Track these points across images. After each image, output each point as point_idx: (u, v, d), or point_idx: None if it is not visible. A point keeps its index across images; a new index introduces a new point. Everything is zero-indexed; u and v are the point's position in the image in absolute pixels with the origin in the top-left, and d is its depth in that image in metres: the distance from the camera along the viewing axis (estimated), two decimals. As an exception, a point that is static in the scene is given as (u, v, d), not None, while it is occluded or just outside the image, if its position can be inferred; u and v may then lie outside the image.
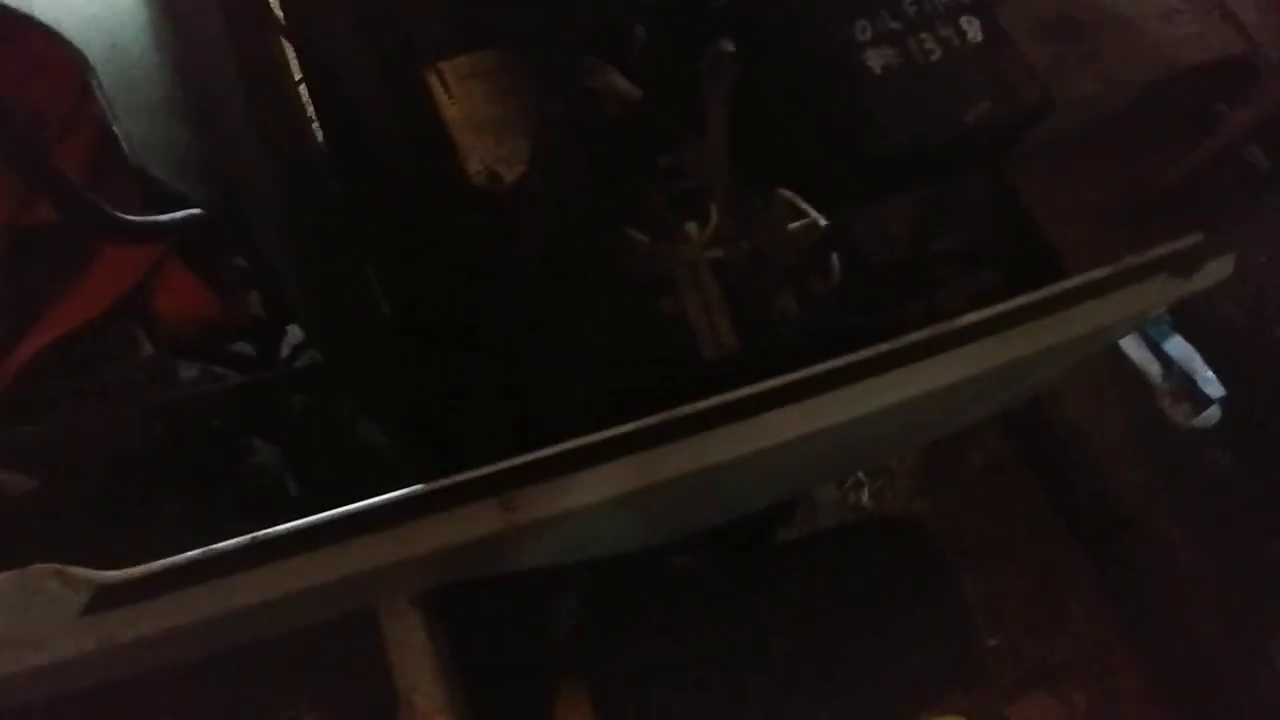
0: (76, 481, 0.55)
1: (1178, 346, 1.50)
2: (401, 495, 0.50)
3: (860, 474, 1.67)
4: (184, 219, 0.59)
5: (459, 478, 0.50)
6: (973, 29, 0.68)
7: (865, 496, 1.69)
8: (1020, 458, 1.64)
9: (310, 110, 0.85)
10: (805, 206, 0.61)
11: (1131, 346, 1.53)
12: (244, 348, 0.75)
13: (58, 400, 0.60)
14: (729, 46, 0.55)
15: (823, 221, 0.60)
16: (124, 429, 0.58)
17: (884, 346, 0.56)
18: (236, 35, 0.70)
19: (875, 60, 0.66)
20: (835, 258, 0.65)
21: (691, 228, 0.63)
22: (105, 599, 0.47)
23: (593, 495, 0.52)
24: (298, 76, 0.84)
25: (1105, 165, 1.25)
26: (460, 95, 0.70)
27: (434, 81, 0.69)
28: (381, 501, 0.50)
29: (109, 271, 0.67)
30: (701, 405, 0.53)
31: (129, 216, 0.58)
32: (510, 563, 0.63)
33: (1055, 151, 1.04)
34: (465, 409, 0.63)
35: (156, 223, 0.59)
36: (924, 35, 0.67)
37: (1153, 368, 1.51)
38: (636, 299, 0.62)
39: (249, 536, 0.46)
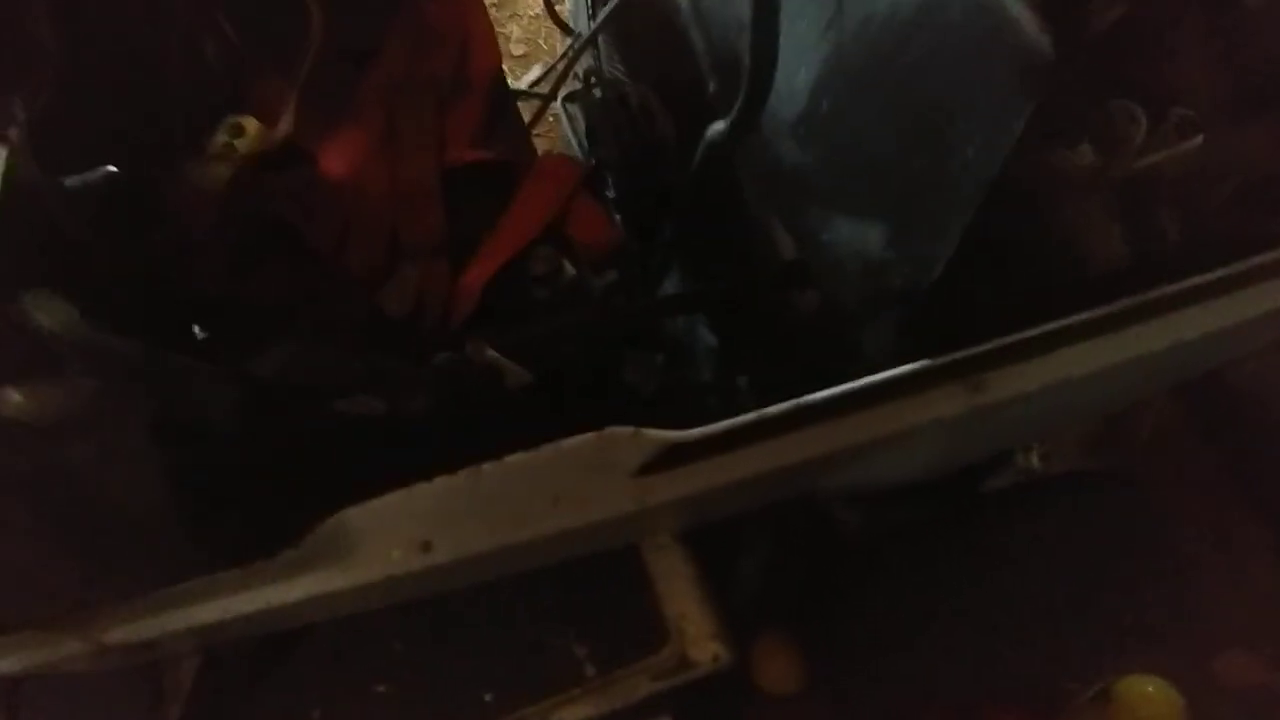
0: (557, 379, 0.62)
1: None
2: (895, 375, 0.55)
3: (1030, 437, 1.71)
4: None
5: (934, 361, 0.56)
6: None
7: (1035, 460, 1.72)
8: (1192, 422, 1.66)
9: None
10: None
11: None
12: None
13: (511, 314, 0.67)
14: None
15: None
16: (569, 339, 0.65)
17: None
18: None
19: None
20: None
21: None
22: (664, 459, 0.53)
23: (1057, 375, 0.57)
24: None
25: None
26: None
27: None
28: (881, 379, 0.55)
29: (533, 203, 0.74)
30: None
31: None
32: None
33: None
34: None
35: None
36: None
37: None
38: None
39: (793, 402, 0.52)
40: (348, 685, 1.06)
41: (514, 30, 1.87)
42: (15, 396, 0.44)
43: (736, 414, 0.70)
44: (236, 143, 0.70)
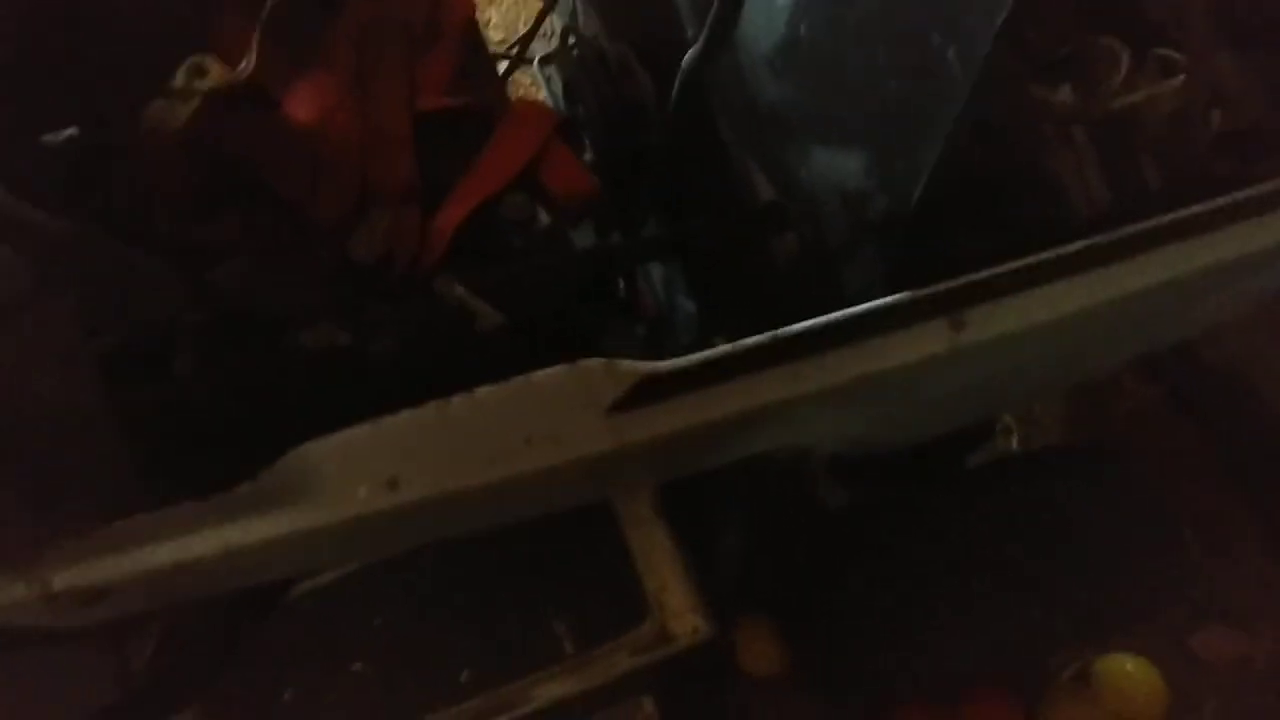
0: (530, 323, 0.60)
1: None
2: (875, 306, 0.54)
3: (1008, 419, 1.71)
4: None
5: (915, 293, 0.54)
6: None
7: (1014, 441, 1.72)
8: (1171, 403, 1.67)
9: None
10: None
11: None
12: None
13: (484, 258, 0.65)
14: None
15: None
16: (542, 282, 0.63)
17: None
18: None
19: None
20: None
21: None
22: (639, 394, 0.52)
23: (1040, 316, 0.56)
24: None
25: None
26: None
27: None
28: (862, 311, 0.54)
29: (507, 148, 0.72)
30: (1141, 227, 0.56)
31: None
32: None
33: None
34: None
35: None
36: None
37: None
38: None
39: (771, 334, 0.51)
40: (323, 662, 1.03)
41: (492, 16, 1.86)
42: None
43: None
44: (197, 83, 0.68)
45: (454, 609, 1.13)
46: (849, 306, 0.62)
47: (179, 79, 0.67)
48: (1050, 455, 1.38)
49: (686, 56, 0.62)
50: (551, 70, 0.95)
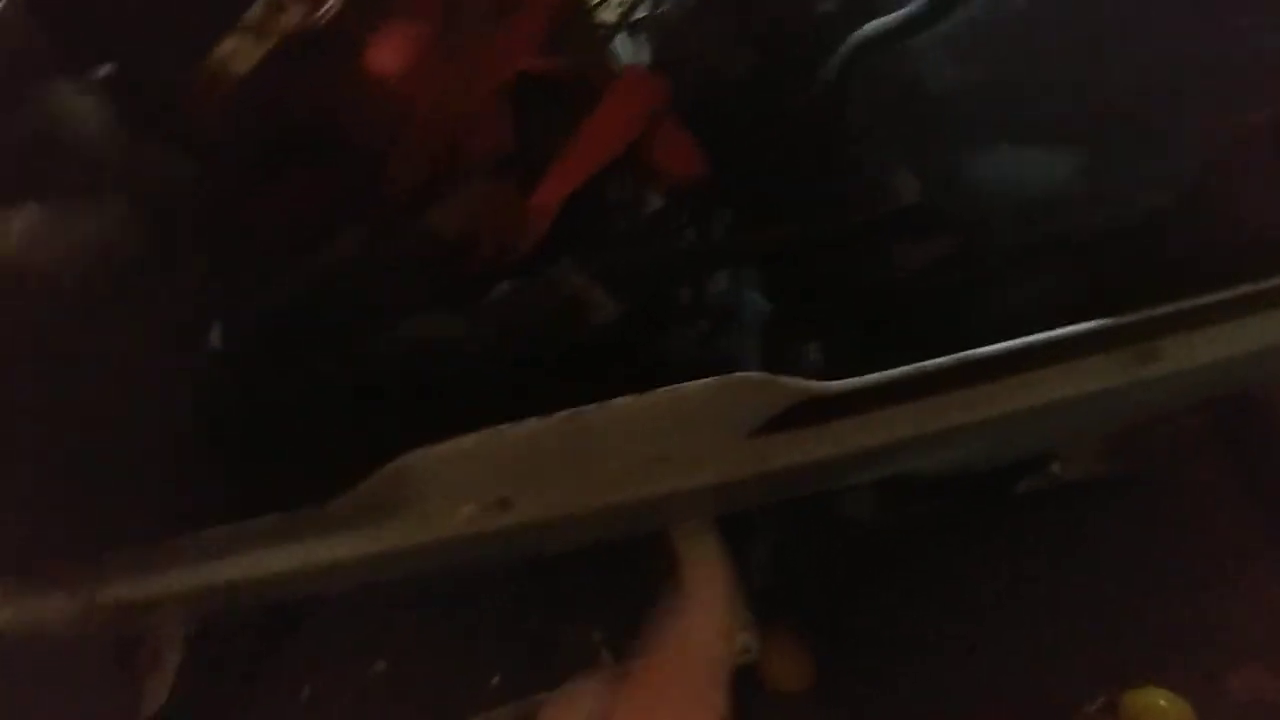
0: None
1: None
2: (1066, 333, 0.47)
3: (1052, 443, 1.67)
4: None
5: (1117, 320, 0.48)
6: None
7: (1056, 465, 1.68)
8: (1213, 433, 1.62)
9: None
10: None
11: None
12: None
13: (590, 241, 0.58)
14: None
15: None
16: (662, 273, 0.56)
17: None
18: None
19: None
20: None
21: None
22: (794, 415, 0.45)
23: (1241, 348, 0.50)
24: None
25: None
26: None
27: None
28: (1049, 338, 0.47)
29: (614, 120, 0.64)
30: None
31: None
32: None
33: None
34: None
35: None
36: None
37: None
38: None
39: (959, 357, 0.44)
40: (344, 660, 0.96)
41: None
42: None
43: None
44: (277, 20, 0.60)
45: (484, 609, 1.06)
46: (999, 324, 0.55)
47: (255, 13, 0.59)
48: (1089, 485, 1.34)
49: (870, 26, 0.53)
50: (639, 38, 0.88)
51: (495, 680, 0.99)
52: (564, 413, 0.43)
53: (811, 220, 0.61)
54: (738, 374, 0.44)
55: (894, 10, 0.57)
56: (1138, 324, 0.48)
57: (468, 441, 0.43)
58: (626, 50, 0.91)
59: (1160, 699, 1.16)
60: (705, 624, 0.50)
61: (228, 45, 0.56)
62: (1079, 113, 0.45)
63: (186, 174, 0.40)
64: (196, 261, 0.39)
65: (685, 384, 0.43)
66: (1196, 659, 1.36)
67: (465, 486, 0.43)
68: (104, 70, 0.61)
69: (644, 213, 0.61)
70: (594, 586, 1.02)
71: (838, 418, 0.46)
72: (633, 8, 0.80)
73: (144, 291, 0.34)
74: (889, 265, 0.65)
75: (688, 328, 0.68)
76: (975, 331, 0.58)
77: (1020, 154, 0.49)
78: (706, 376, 0.46)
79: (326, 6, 0.60)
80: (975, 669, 1.08)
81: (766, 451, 0.46)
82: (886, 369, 0.65)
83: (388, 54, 0.65)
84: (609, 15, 0.76)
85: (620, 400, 0.43)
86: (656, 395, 0.43)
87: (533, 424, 0.42)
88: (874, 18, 0.63)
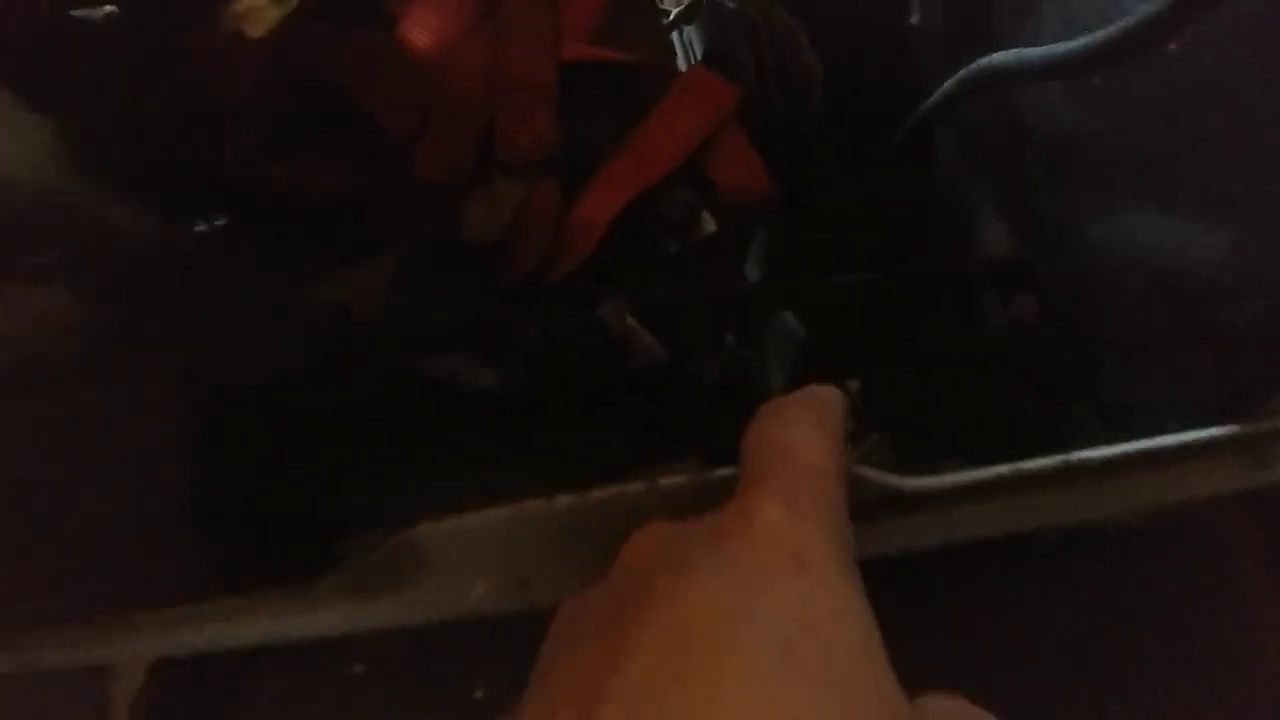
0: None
1: None
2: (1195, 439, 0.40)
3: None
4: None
5: (1245, 427, 0.42)
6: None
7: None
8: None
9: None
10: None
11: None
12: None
13: (637, 267, 0.51)
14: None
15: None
16: (715, 315, 0.49)
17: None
18: None
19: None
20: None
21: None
22: (867, 511, 0.39)
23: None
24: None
25: None
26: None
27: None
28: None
29: (675, 125, 0.57)
30: None
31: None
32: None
33: None
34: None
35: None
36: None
37: None
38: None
39: (1063, 459, 0.38)
40: (319, 661, 0.91)
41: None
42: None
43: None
44: (297, -23, 0.53)
45: (471, 620, 1.02)
46: (1096, 397, 0.49)
47: (274, -31, 0.52)
48: (1121, 533, 1.28)
49: (999, 58, 0.43)
50: (691, 31, 0.79)
51: (478, 694, 0.95)
52: (602, 491, 0.37)
53: (882, 261, 0.54)
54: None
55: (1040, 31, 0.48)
56: (1263, 431, 0.42)
57: (485, 516, 0.37)
58: (689, 45, 0.82)
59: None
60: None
61: (243, 4, 0.49)
62: (1236, 179, 0.38)
63: (154, 233, 0.33)
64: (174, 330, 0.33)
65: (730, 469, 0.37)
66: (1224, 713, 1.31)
67: (479, 563, 0.38)
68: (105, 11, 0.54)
69: (699, 236, 0.55)
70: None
71: (914, 513, 0.41)
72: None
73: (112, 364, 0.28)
74: (968, 319, 0.58)
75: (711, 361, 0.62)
76: (1034, 399, 0.52)
77: (1149, 219, 0.42)
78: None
79: (359, -33, 0.53)
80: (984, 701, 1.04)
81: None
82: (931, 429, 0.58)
83: (424, 26, 0.58)
84: (672, 3, 0.69)
85: (667, 481, 0.37)
86: (710, 477, 0.37)
87: (565, 501, 0.37)
88: (976, 36, 0.56)
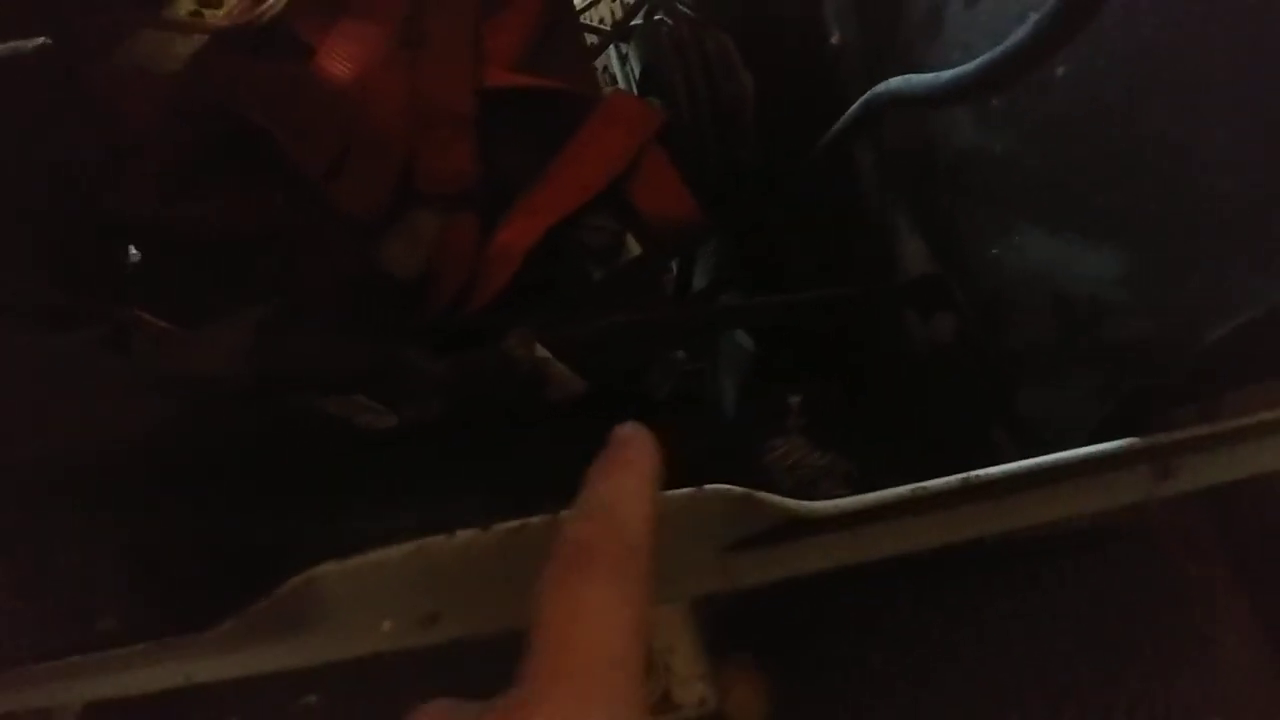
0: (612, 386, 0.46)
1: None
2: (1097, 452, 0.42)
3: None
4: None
5: (1143, 440, 0.43)
6: None
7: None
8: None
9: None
10: None
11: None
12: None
13: (558, 295, 0.51)
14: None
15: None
16: (635, 342, 0.49)
17: None
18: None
19: None
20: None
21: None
22: (774, 534, 0.39)
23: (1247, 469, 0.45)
24: None
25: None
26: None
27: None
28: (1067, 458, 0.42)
29: (595, 151, 0.57)
30: None
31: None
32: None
33: None
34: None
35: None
36: None
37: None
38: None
39: (963, 478, 0.39)
40: (271, 690, 0.90)
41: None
42: None
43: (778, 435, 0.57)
44: (207, 13, 0.53)
45: (423, 652, 1.01)
46: (1009, 414, 0.50)
47: (182, 5, 0.51)
48: (1058, 534, 1.30)
49: (896, 83, 0.44)
50: (629, 49, 0.80)
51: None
52: (507, 524, 0.37)
53: (808, 282, 0.54)
54: (712, 487, 0.38)
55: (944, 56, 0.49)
56: (1160, 444, 0.43)
57: (389, 554, 0.37)
58: (629, 62, 0.83)
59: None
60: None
61: (147, 40, 0.49)
62: (1121, 200, 0.38)
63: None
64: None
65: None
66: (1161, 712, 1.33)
67: (386, 600, 0.38)
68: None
69: (621, 260, 0.55)
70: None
71: (821, 534, 0.41)
72: (628, 16, 0.72)
73: None
74: (888, 336, 0.59)
75: (663, 376, 0.62)
76: (958, 417, 0.52)
77: (1044, 240, 0.43)
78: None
79: (269, 2, 0.53)
80: (945, 706, 1.05)
81: (736, 569, 0.41)
82: (870, 445, 0.59)
83: (340, 57, 0.58)
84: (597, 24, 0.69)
85: (568, 514, 0.37)
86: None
87: (466, 536, 0.37)
88: (889, 55, 0.57)
